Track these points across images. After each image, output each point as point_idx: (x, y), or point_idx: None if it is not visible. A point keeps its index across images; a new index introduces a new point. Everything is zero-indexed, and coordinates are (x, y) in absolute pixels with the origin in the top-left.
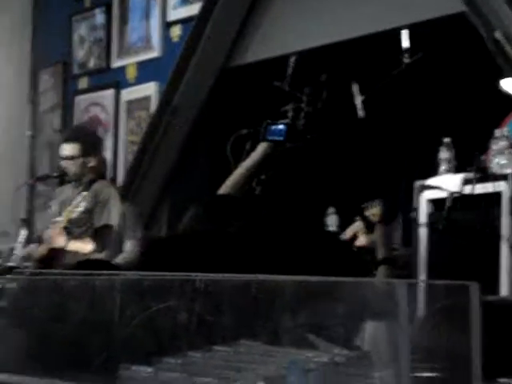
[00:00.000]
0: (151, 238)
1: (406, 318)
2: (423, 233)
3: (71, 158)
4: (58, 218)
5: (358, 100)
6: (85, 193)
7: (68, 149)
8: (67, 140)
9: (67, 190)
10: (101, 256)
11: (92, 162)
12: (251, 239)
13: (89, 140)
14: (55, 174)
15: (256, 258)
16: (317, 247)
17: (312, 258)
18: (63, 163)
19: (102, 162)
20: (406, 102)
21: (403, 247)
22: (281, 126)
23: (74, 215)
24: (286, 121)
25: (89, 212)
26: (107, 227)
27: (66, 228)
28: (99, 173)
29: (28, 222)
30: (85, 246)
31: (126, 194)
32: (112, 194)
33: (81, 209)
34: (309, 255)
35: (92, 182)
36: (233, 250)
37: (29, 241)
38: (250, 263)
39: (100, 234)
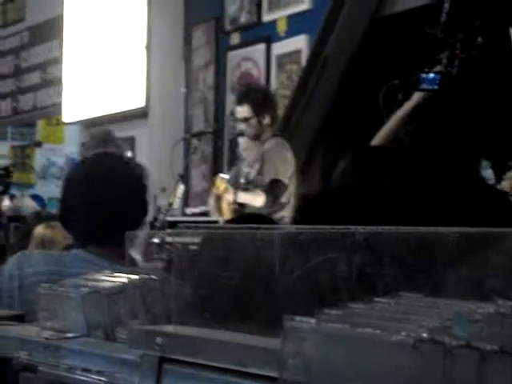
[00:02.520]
0: (304, 195)
1: None
2: None
3: (245, 119)
4: (223, 175)
5: None
6: (260, 151)
7: (241, 111)
8: (239, 102)
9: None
10: (270, 210)
11: (266, 120)
12: (406, 193)
13: (259, 98)
14: (210, 130)
15: (411, 212)
16: (473, 198)
17: (468, 210)
18: (239, 126)
19: (276, 117)
20: None
21: None
22: (434, 75)
23: (251, 176)
24: (440, 69)
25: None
26: (277, 182)
27: (245, 189)
28: (275, 129)
29: (185, 178)
30: (256, 198)
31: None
32: (284, 149)
33: (254, 170)
34: (465, 207)
35: (267, 139)
36: (388, 205)
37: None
38: (406, 217)
39: (271, 188)
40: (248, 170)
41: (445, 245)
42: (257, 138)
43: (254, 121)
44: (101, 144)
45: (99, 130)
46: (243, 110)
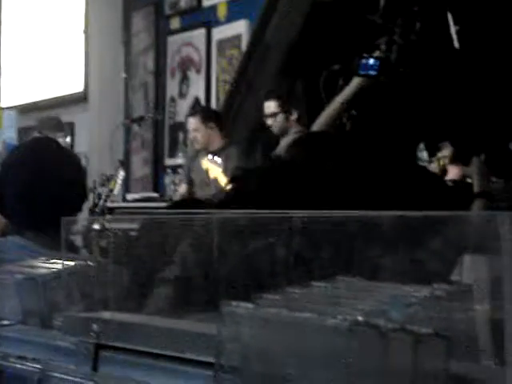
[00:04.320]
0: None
1: (509, 250)
2: None
3: (273, 115)
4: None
5: (453, 30)
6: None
7: (269, 106)
8: (267, 98)
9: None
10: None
11: (294, 116)
12: (344, 175)
13: (287, 95)
14: (149, 116)
15: (350, 194)
16: (409, 181)
17: (405, 193)
18: (267, 120)
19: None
20: (505, 31)
21: (500, 180)
22: (373, 60)
23: None
24: (379, 54)
25: None
26: None
27: None
28: (303, 125)
29: (125, 164)
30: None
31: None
32: None
33: None
34: (402, 190)
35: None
36: (326, 188)
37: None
38: (344, 199)
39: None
40: None
41: (381, 228)
42: (283, 133)
43: (281, 116)
44: (50, 130)
45: (49, 116)
46: (271, 105)
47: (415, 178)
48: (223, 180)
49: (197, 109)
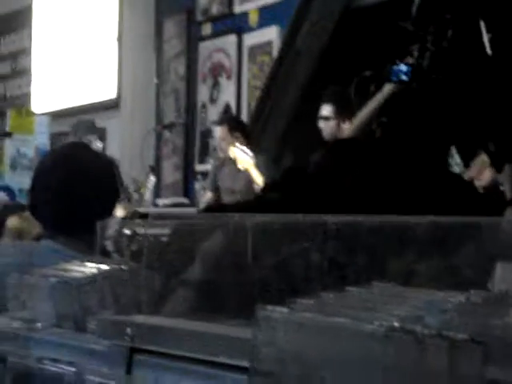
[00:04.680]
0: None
1: None
2: None
3: (326, 118)
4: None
5: (486, 38)
6: None
7: (324, 109)
8: (324, 100)
9: None
10: None
11: (346, 125)
12: (376, 183)
13: (344, 102)
14: (181, 121)
15: (382, 202)
16: (441, 188)
17: (436, 200)
18: (320, 123)
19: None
20: None
21: None
22: (405, 67)
23: None
24: (411, 61)
25: None
26: None
27: None
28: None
29: (156, 169)
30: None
31: (250, 139)
32: None
33: None
34: (433, 196)
35: None
36: (359, 194)
37: (157, 187)
38: (377, 207)
39: None
40: None
41: (416, 234)
42: (333, 137)
43: (333, 122)
44: (83, 132)
45: (82, 119)
46: (326, 109)
47: (447, 185)
48: (254, 172)
49: (224, 118)
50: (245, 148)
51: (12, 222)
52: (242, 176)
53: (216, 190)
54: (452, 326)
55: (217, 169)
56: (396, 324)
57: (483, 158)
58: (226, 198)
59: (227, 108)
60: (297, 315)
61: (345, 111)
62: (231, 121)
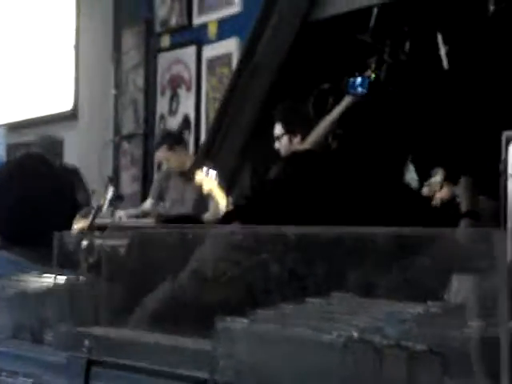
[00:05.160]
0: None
1: (504, 266)
2: (511, 184)
3: (277, 138)
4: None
5: (443, 51)
6: None
7: (276, 128)
8: (274, 120)
9: None
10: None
11: (297, 138)
12: (332, 197)
13: (292, 118)
14: (140, 132)
15: (337, 213)
16: (395, 202)
17: (390, 213)
18: (276, 144)
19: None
20: (493, 52)
21: (487, 200)
22: (363, 79)
23: None
24: (369, 74)
25: None
26: None
27: None
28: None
29: (114, 180)
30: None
31: (207, 152)
32: None
33: None
34: (387, 210)
35: None
36: (315, 207)
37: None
38: (333, 219)
39: None
40: None
41: (375, 245)
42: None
43: (284, 139)
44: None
45: (46, 136)
46: (277, 128)
47: (400, 198)
48: (218, 193)
49: (159, 142)
50: (208, 170)
51: None
52: (190, 188)
53: (158, 198)
54: (411, 337)
55: (162, 180)
56: (355, 334)
57: (441, 172)
58: (175, 209)
59: (185, 120)
60: (256, 326)
61: (293, 126)
62: (167, 139)
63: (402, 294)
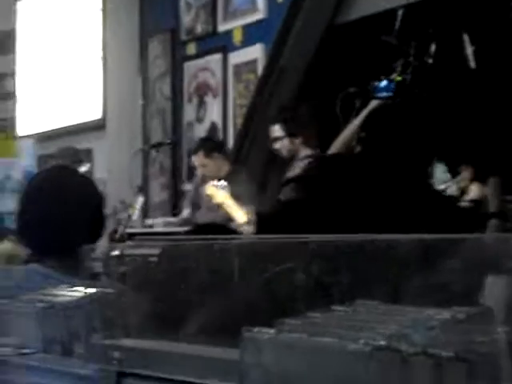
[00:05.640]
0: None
1: None
2: None
3: (278, 138)
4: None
5: (469, 51)
6: None
7: (274, 130)
8: (272, 122)
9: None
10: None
11: (299, 139)
12: (356, 201)
13: (293, 119)
14: (168, 141)
15: (363, 220)
16: (421, 204)
17: (417, 216)
18: (276, 145)
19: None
20: None
21: None
22: (388, 82)
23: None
24: (394, 77)
25: None
26: None
27: None
28: (313, 147)
29: (144, 189)
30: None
31: (236, 157)
32: None
33: None
34: (414, 213)
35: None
36: (339, 213)
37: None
38: (358, 225)
39: None
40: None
41: (400, 252)
42: (291, 156)
43: (286, 140)
44: (67, 160)
45: (66, 146)
46: (275, 130)
47: (427, 201)
48: (230, 204)
49: (197, 147)
50: (219, 182)
51: (3, 246)
52: None
53: (194, 207)
54: (437, 344)
55: (198, 187)
56: (381, 342)
57: (469, 169)
58: (209, 216)
59: (213, 127)
60: (283, 336)
61: (294, 128)
62: (205, 145)
63: (429, 300)
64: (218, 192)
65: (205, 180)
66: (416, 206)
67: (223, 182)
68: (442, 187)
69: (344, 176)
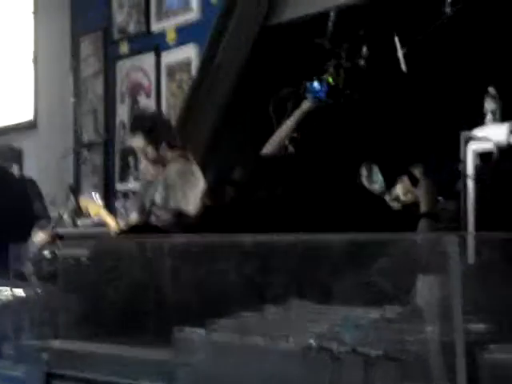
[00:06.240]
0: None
1: (456, 270)
2: (470, 185)
3: (142, 149)
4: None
5: (400, 53)
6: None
7: (135, 141)
8: (131, 132)
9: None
10: None
11: (163, 145)
12: (292, 201)
13: (150, 127)
14: (100, 141)
15: (299, 219)
16: (353, 204)
17: (348, 216)
18: (140, 155)
19: (174, 138)
20: (449, 54)
21: (446, 201)
22: (320, 84)
23: (157, 201)
24: (327, 78)
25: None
26: (180, 214)
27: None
28: (178, 149)
29: (75, 189)
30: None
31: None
32: (187, 174)
33: (159, 195)
34: (345, 213)
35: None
36: (270, 213)
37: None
38: (294, 225)
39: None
40: (153, 192)
41: (332, 251)
42: (157, 162)
43: (149, 149)
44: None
45: (1, 144)
46: (137, 140)
47: (359, 201)
48: (104, 214)
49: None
50: (94, 194)
51: None
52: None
53: (143, 211)
54: (367, 343)
55: (145, 188)
56: (312, 342)
57: (406, 178)
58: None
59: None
60: (214, 336)
61: (155, 135)
62: (146, 127)
63: (360, 299)
64: (92, 203)
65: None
66: (347, 206)
67: (96, 194)
68: (375, 188)
69: (278, 175)
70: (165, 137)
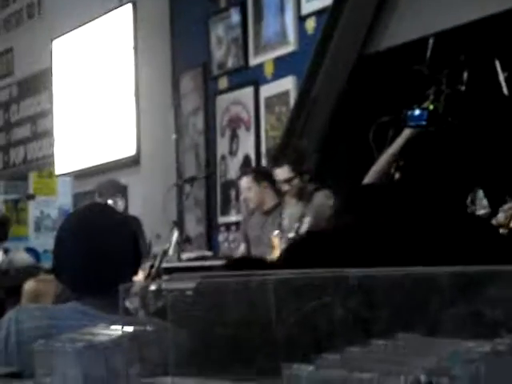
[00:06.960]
0: (296, 236)
1: None
2: None
3: (286, 181)
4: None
5: (502, 77)
6: None
7: (281, 173)
8: (276, 165)
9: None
10: None
11: (306, 177)
12: (396, 231)
13: (297, 157)
14: (202, 175)
15: (402, 251)
16: (463, 233)
17: (459, 246)
18: (283, 187)
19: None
20: None
21: None
22: (421, 111)
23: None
24: (427, 105)
25: None
26: None
27: None
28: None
29: (179, 224)
30: None
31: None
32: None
33: (305, 224)
34: (456, 242)
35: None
36: (377, 244)
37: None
38: (396, 256)
39: None
40: (297, 224)
41: (439, 284)
42: (300, 195)
43: (296, 181)
44: (108, 194)
45: (106, 180)
46: (282, 172)
47: (469, 231)
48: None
49: (248, 168)
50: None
51: (29, 285)
52: (270, 226)
53: (247, 240)
54: (478, 377)
55: (246, 219)
56: (422, 377)
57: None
58: (254, 249)
59: (246, 161)
60: (322, 372)
61: (301, 166)
62: (256, 170)
63: (470, 332)
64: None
65: (251, 211)
66: (457, 236)
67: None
68: (482, 213)
69: (386, 205)
70: (308, 169)
